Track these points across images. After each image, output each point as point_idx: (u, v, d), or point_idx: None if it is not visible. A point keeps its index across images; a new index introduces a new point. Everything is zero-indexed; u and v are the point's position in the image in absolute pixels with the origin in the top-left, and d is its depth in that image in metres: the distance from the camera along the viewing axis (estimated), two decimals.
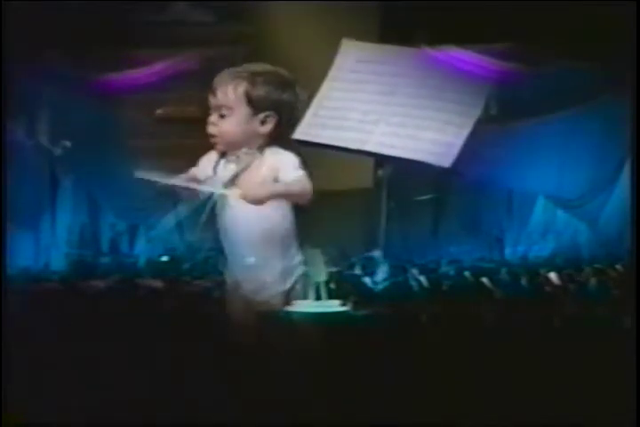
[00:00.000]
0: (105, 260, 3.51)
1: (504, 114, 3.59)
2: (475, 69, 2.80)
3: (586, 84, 3.44)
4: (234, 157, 2.53)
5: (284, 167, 2.48)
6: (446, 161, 2.64)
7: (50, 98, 3.42)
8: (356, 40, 3.00)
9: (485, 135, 3.56)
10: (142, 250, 3.54)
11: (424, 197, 3.58)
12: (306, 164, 2.51)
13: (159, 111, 3.53)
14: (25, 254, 3.42)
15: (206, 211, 2.52)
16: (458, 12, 3.56)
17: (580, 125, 3.55)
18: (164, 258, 3.52)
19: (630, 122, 3.30)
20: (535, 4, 3.47)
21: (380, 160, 3.25)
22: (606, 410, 2.54)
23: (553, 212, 3.67)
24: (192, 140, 3.49)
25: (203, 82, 3.42)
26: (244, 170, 2.52)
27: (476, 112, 2.72)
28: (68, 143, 3.42)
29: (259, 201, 2.43)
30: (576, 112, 3.54)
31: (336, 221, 3.52)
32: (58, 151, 3.42)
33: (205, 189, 2.49)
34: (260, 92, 2.51)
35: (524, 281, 3.44)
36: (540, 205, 3.66)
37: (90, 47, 3.32)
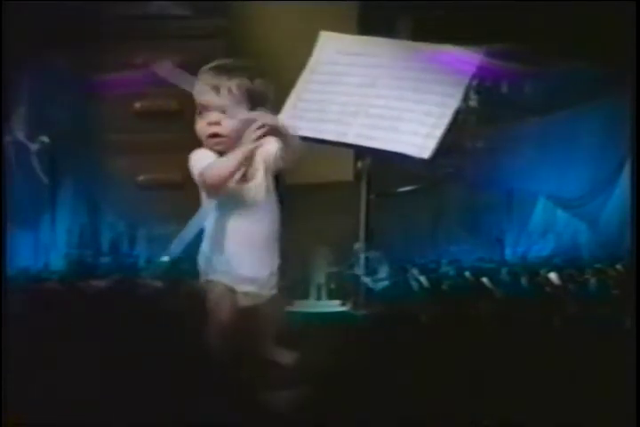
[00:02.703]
0: (105, 260, 3.50)
1: (503, 114, 3.59)
2: (456, 64, 2.79)
3: (586, 84, 3.44)
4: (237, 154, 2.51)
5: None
6: (425, 152, 2.64)
7: (30, 94, 3.41)
8: (336, 32, 2.99)
9: (485, 135, 3.57)
10: (142, 250, 3.53)
11: (406, 189, 3.57)
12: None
13: (137, 105, 3.52)
14: (24, 254, 3.41)
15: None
16: (457, 13, 3.56)
17: (581, 125, 3.55)
18: (164, 258, 3.51)
19: (630, 122, 3.30)
20: (535, 4, 3.46)
21: (360, 152, 3.23)
22: (606, 410, 2.54)
23: (553, 212, 3.66)
24: (173, 135, 3.51)
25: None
26: (247, 165, 2.52)
27: (455, 103, 2.71)
28: (46, 139, 3.40)
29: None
30: (576, 112, 3.54)
31: (317, 214, 3.52)
32: (38, 149, 3.40)
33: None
34: (259, 87, 2.52)
35: (524, 281, 3.44)
36: (541, 205, 3.66)
37: (69, 42, 3.31)
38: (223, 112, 2.49)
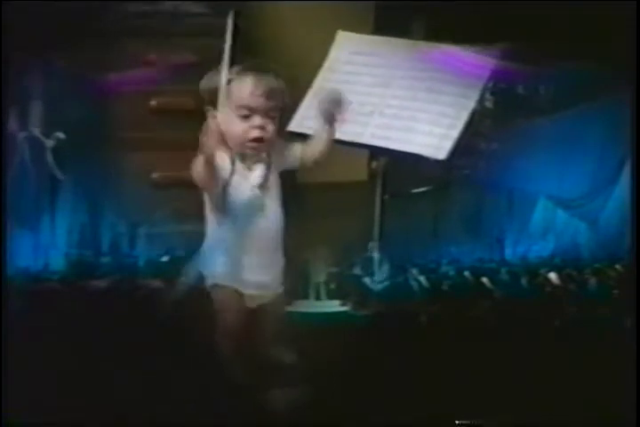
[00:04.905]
0: (105, 260, 3.50)
1: (504, 114, 3.59)
2: (470, 67, 2.79)
3: (586, 85, 3.44)
4: (260, 157, 2.51)
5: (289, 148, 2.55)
6: (441, 153, 2.63)
7: (45, 92, 3.41)
8: (352, 32, 2.98)
9: (485, 135, 3.57)
10: (142, 250, 3.53)
11: (420, 190, 3.57)
12: None
13: (153, 103, 3.52)
14: (24, 254, 3.41)
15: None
16: (456, 13, 3.56)
17: (581, 126, 3.55)
18: (164, 258, 3.51)
19: (630, 122, 3.30)
20: (535, 4, 3.46)
21: (375, 152, 3.22)
22: (606, 410, 2.55)
23: (553, 212, 3.67)
24: (189, 133, 3.51)
25: (197, 74, 3.43)
26: (269, 167, 2.52)
27: (471, 104, 2.71)
28: (61, 135, 3.39)
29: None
30: (576, 112, 3.54)
31: (330, 213, 3.51)
32: (54, 146, 3.40)
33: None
34: (285, 89, 2.51)
35: (524, 281, 3.44)
36: (541, 205, 3.66)
37: (84, 39, 3.31)
38: (267, 116, 2.46)
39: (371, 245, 3.27)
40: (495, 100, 3.52)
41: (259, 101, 2.44)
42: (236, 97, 2.45)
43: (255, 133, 2.45)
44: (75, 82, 3.37)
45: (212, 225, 2.52)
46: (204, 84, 2.51)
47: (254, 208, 2.49)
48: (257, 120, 2.45)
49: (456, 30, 3.36)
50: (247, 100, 2.44)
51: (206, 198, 2.52)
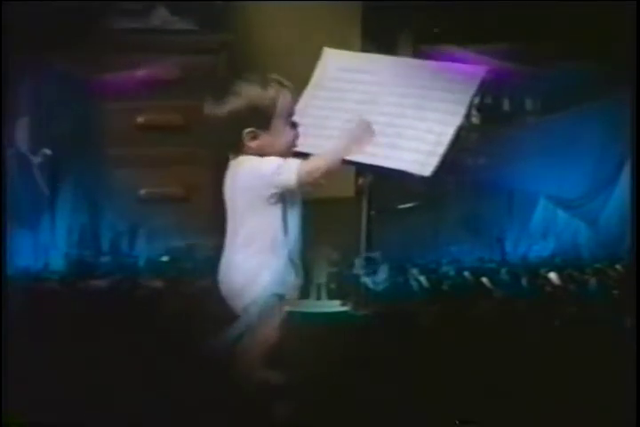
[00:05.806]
0: (105, 259, 3.50)
1: (504, 114, 3.59)
2: (467, 69, 2.79)
3: (586, 85, 3.45)
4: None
5: None
6: (426, 170, 2.64)
7: (43, 101, 3.42)
8: (339, 48, 3.00)
9: (485, 136, 3.57)
10: (142, 250, 3.54)
11: (406, 206, 3.59)
12: None
13: (140, 119, 3.53)
14: (24, 254, 3.41)
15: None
16: (456, 12, 3.56)
17: (581, 125, 3.55)
18: (165, 258, 3.51)
19: (630, 122, 3.30)
20: (535, 4, 3.47)
21: (361, 169, 3.24)
22: (606, 410, 2.54)
23: (553, 212, 3.67)
24: (176, 149, 3.53)
25: (185, 90, 3.44)
26: None
27: (458, 120, 2.71)
28: (48, 151, 3.42)
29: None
30: (576, 112, 3.54)
31: (318, 230, 3.53)
32: (40, 162, 3.42)
33: None
34: None
35: (524, 281, 3.44)
36: (541, 205, 3.66)
37: (72, 54, 3.32)
38: None
39: (356, 261, 3.28)
40: (490, 106, 3.53)
41: (293, 111, 2.56)
42: (282, 107, 2.53)
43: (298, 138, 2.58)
44: (62, 97, 3.39)
45: (278, 233, 2.56)
46: (242, 103, 2.53)
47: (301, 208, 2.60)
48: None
49: (455, 31, 3.37)
50: (291, 109, 2.56)
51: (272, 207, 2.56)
